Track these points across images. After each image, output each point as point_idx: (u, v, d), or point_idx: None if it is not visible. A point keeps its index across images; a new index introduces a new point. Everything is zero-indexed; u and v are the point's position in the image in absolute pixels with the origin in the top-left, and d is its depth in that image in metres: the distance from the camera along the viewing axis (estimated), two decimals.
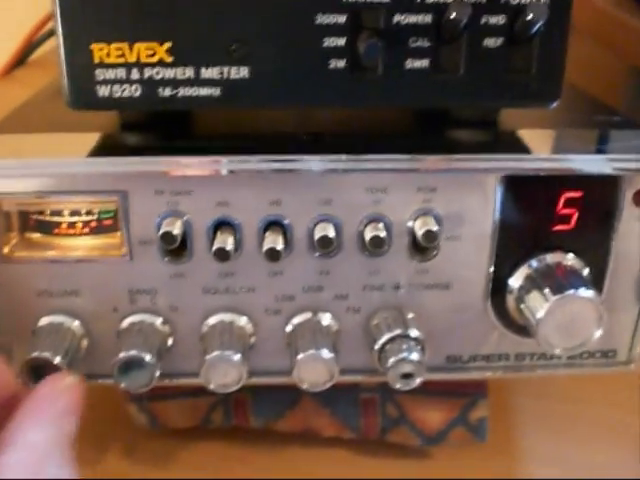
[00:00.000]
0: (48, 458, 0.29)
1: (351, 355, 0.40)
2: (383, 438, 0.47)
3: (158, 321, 0.39)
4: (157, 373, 0.37)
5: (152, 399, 0.46)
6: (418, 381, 0.37)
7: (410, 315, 0.39)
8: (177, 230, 0.36)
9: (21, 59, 1.02)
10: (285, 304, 0.39)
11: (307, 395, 0.45)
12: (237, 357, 0.37)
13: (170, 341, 0.39)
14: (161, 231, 0.36)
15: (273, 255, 0.36)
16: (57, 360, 0.36)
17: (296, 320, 0.39)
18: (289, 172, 0.37)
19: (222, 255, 0.36)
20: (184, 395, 0.45)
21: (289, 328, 0.39)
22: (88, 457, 0.46)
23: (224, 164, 0.36)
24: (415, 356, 0.37)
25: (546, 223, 0.39)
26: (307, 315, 0.39)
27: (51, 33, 1.06)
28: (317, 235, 0.37)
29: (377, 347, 0.38)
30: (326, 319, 0.39)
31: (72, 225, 0.38)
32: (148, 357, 0.36)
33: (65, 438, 0.30)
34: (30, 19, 1.04)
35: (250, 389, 0.45)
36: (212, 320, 0.39)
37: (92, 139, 0.39)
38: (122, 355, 0.36)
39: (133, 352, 0.36)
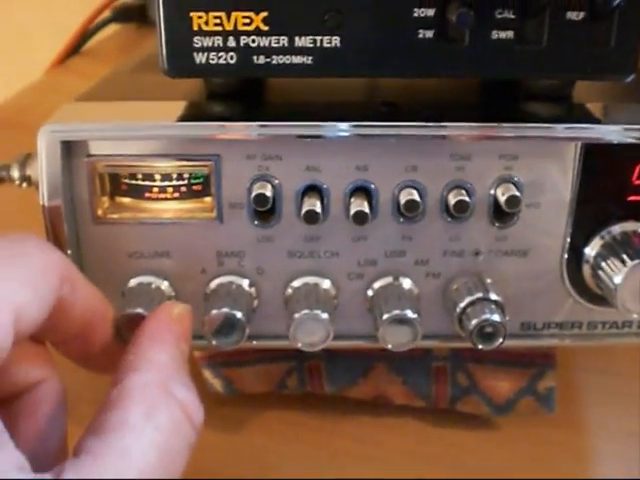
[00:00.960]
0: (174, 377, 0.30)
1: (429, 320, 0.41)
2: (453, 407, 0.48)
3: (245, 283, 0.40)
4: (247, 331, 0.38)
5: (227, 365, 0.47)
6: (500, 341, 0.38)
7: (489, 280, 0.40)
8: (268, 193, 0.38)
9: (75, 48, 1.04)
10: (368, 269, 0.41)
11: (380, 363, 0.47)
12: (325, 316, 0.38)
13: (255, 303, 0.41)
14: (254, 193, 0.37)
15: (360, 219, 0.38)
16: None
17: (377, 284, 0.41)
18: (376, 138, 0.38)
19: (311, 218, 0.38)
20: (259, 361, 0.47)
21: (370, 292, 0.40)
22: None
23: (312, 130, 0.38)
24: (497, 317, 0.38)
25: (622, 192, 0.40)
26: (388, 279, 0.40)
27: (105, 22, 1.08)
28: (403, 200, 0.38)
29: (458, 310, 0.39)
30: (407, 284, 0.40)
31: (163, 189, 0.39)
32: (239, 315, 0.38)
33: (185, 359, 0.31)
34: (85, 8, 1.07)
35: (324, 356, 0.47)
36: (297, 283, 0.40)
37: (180, 107, 0.40)
38: (215, 312, 0.38)
39: (225, 310, 0.38)
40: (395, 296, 0.40)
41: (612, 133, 0.39)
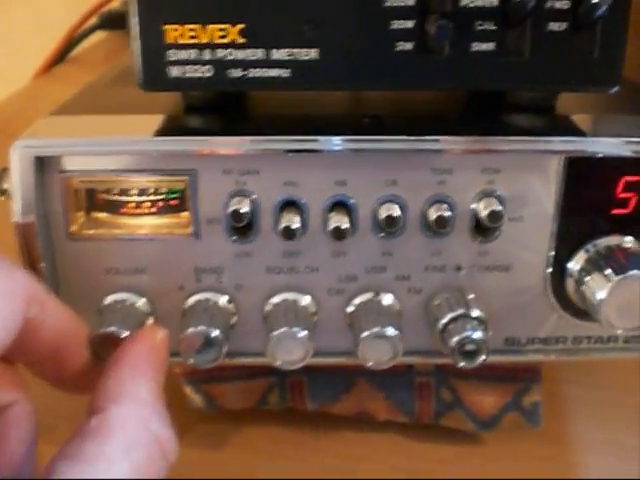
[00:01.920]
0: (154, 412, 0.30)
1: (410, 336, 0.40)
2: (437, 422, 0.47)
3: (223, 299, 0.40)
4: (225, 349, 0.37)
5: (208, 381, 0.47)
6: (482, 359, 0.37)
7: (471, 296, 0.40)
8: (245, 208, 0.37)
9: (61, 55, 1.03)
10: (348, 284, 0.40)
11: (362, 379, 0.46)
12: (303, 334, 0.37)
13: (234, 320, 0.40)
14: (230, 209, 0.37)
15: (339, 234, 0.37)
16: (124, 335, 0.37)
17: (357, 300, 0.40)
18: (355, 152, 0.37)
19: (288, 234, 0.37)
20: (240, 377, 0.46)
21: (350, 308, 0.40)
22: None
23: (290, 144, 0.37)
24: (478, 334, 0.37)
25: (606, 206, 0.39)
26: (369, 295, 0.40)
27: (92, 29, 1.08)
28: (382, 215, 0.37)
29: (440, 327, 0.39)
30: (387, 299, 0.40)
31: (139, 205, 0.39)
32: (216, 333, 0.37)
33: (161, 391, 0.31)
34: (71, 15, 1.06)
35: (306, 372, 0.46)
36: (276, 299, 0.40)
37: (157, 121, 0.40)
38: (192, 330, 0.37)
39: (202, 328, 0.37)
40: (375, 312, 0.39)
41: (596, 145, 0.38)
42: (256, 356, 0.41)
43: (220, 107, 0.41)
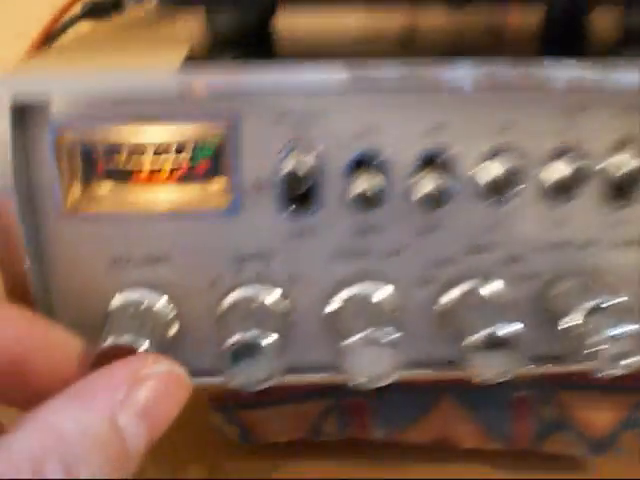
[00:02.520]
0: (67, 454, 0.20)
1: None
2: (536, 447, 0.37)
3: (274, 296, 0.29)
4: (281, 364, 0.27)
5: (244, 407, 0.36)
6: (635, 361, 0.27)
7: (605, 279, 0.29)
8: (305, 169, 0.27)
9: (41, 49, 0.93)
10: (441, 271, 0.29)
11: (445, 396, 0.36)
12: (393, 337, 0.27)
13: (288, 322, 0.29)
14: (284, 171, 0.26)
15: (432, 201, 0.27)
16: (144, 347, 0.26)
17: (455, 292, 0.29)
18: (456, 83, 0.27)
19: (365, 202, 0.27)
20: (287, 400, 0.36)
21: (445, 302, 0.29)
22: None
23: (368, 72, 0.26)
24: (629, 329, 0.27)
25: None
26: (471, 284, 0.29)
27: (74, 20, 0.97)
28: (491, 172, 0.27)
29: (568, 324, 0.28)
30: (495, 289, 0.29)
31: (156, 170, 0.28)
32: (270, 340, 0.26)
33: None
34: (51, 5, 0.96)
35: (372, 391, 0.35)
36: (344, 294, 0.29)
37: (178, 54, 0.29)
38: (233, 340, 0.26)
39: (251, 334, 0.26)
40: (481, 308, 0.29)
41: None
42: (317, 371, 0.30)
43: (252, 42, 0.31)
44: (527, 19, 0.35)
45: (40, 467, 0.20)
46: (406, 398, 0.36)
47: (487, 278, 0.30)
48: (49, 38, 0.94)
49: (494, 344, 0.27)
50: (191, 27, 0.34)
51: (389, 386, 0.32)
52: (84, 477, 0.21)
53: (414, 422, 0.36)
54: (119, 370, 0.24)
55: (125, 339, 0.26)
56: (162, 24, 0.38)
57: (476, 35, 0.36)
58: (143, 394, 0.23)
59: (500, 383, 0.35)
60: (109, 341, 0.26)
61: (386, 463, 0.38)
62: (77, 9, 0.96)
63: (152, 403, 0.23)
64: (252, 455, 0.38)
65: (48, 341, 0.25)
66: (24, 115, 0.27)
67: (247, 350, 0.27)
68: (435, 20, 0.36)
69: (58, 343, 0.25)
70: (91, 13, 0.98)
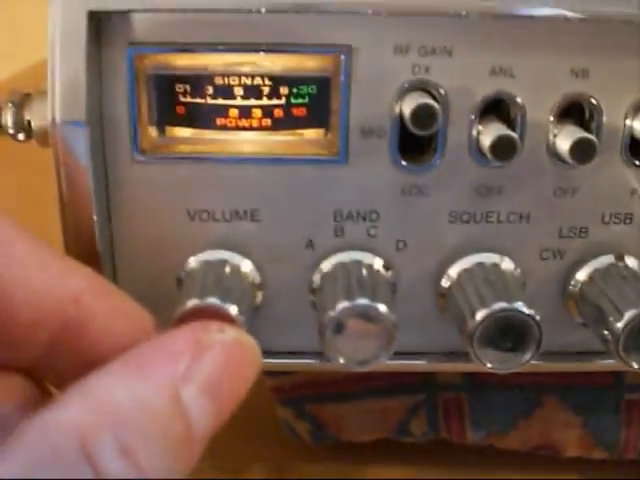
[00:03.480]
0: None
1: None
2: None
3: (377, 264, 0.25)
4: (395, 342, 0.22)
5: (317, 401, 0.32)
6: None
7: None
8: (427, 112, 0.22)
9: None
10: (573, 242, 0.25)
11: (550, 397, 0.31)
12: (529, 311, 0.22)
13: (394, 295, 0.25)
14: (408, 109, 0.22)
15: (584, 151, 0.22)
16: (233, 311, 0.22)
17: (589, 268, 0.25)
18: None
19: (501, 149, 0.22)
20: (370, 394, 0.31)
21: (583, 275, 0.25)
22: None
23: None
24: None
25: None
26: (607, 259, 0.25)
27: None
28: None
29: None
30: (634, 263, 0.25)
31: (246, 111, 0.24)
32: (383, 310, 0.22)
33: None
34: None
35: (468, 386, 0.31)
36: (461, 264, 0.25)
37: None
38: (344, 307, 0.22)
39: (363, 301, 0.22)
40: (622, 286, 0.24)
41: None
42: (426, 358, 0.26)
43: None
44: None
45: (90, 445, 0.16)
46: (506, 397, 0.31)
47: (626, 253, 0.25)
48: None
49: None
50: None
51: (488, 383, 0.28)
52: (144, 464, 0.16)
53: (515, 426, 0.32)
54: (181, 336, 0.19)
55: (213, 301, 0.21)
56: None
57: None
58: (208, 366, 0.19)
59: (609, 383, 0.31)
60: (191, 303, 0.22)
61: (473, 471, 0.33)
62: None
63: (218, 377, 0.19)
64: (321, 456, 0.34)
65: (110, 307, 0.21)
66: (100, 31, 0.23)
67: (356, 321, 0.22)
68: None
69: (122, 311, 0.21)
70: None
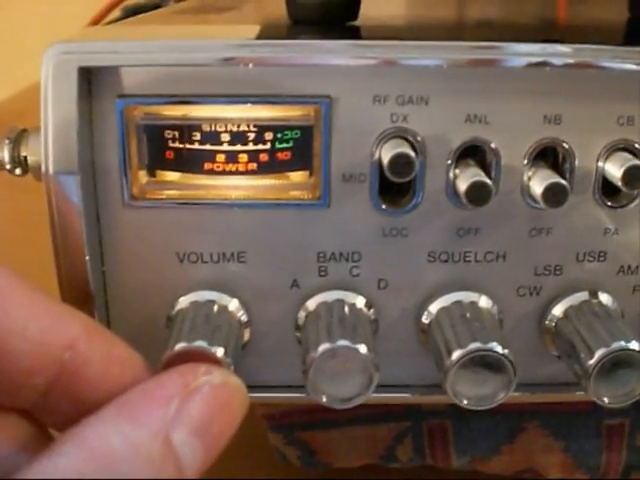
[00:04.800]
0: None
1: None
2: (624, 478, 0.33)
3: (359, 302, 0.26)
4: (377, 378, 0.23)
5: (306, 427, 0.33)
6: None
7: None
8: (405, 159, 0.23)
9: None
10: (548, 280, 0.26)
11: (532, 423, 0.32)
12: (503, 351, 0.23)
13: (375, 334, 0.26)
14: (387, 156, 0.23)
15: (556, 195, 0.23)
16: (219, 353, 0.23)
17: (564, 304, 0.26)
18: (575, 69, 0.23)
19: (475, 195, 0.23)
20: (359, 421, 0.32)
21: (557, 314, 0.26)
22: None
23: (484, 52, 0.23)
24: None
25: None
26: (582, 296, 0.26)
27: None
28: (617, 169, 0.24)
29: None
30: (607, 301, 0.26)
31: (232, 156, 0.25)
32: (365, 350, 0.23)
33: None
34: (88, 10, 0.94)
35: (453, 413, 0.32)
36: (439, 302, 0.26)
37: (257, 30, 0.26)
38: (325, 349, 0.23)
39: (344, 343, 0.23)
40: (593, 323, 0.25)
41: None
42: (405, 390, 0.27)
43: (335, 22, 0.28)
44: None
45: None
46: (490, 423, 0.32)
47: (600, 290, 0.26)
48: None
49: (620, 363, 0.23)
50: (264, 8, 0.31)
51: (472, 410, 0.29)
52: None
53: (498, 451, 0.32)
54: (170, 380, 0.20)
55: (200, 344, 0.22)
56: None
57: None
58: (197, 408, 0.20)
59: (589, 409, 0.32)
60: (179, 346, 0.23)
61: None
62: (116, 14, 0.94)
63: (207, 419, 0.20)
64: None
65: (104, 353, 0.21)
66: (91, 83, 0.24)
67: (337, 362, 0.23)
68: None
69: (116, 357, 0.22)
70: (133, 16, 0.96)
